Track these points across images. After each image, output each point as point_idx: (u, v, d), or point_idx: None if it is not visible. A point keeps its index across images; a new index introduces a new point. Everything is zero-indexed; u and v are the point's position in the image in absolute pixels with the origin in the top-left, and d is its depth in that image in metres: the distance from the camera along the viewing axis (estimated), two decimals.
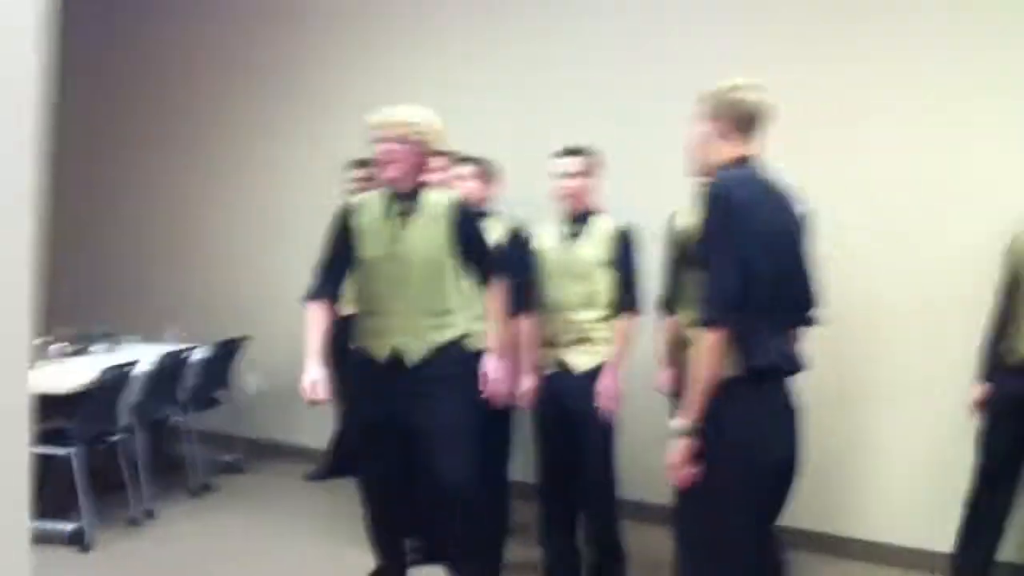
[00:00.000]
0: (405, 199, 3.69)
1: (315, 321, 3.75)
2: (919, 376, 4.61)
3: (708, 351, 2.60)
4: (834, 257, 4.59)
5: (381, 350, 3.72)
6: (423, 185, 3.73)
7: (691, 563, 2.78)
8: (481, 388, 3.76)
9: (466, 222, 3.75)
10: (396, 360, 3.69)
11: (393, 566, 3.92)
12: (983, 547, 4.12)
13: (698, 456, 2.63)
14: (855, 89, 4.70)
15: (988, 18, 4.43)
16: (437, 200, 3.73)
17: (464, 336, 3.77)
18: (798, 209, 2.83)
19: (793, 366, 2.74)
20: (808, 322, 2.89)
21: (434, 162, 3.96)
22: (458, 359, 3.76)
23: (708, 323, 2.60)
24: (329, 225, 3.83)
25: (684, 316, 2.82)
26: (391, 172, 3.64)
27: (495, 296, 3.86)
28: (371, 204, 3.76)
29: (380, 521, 3.84)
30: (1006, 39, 4.42)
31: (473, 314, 3.87)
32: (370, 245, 3.71)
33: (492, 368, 3.78)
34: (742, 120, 2.79)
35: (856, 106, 4.71)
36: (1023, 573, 4.23)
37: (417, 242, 3.67)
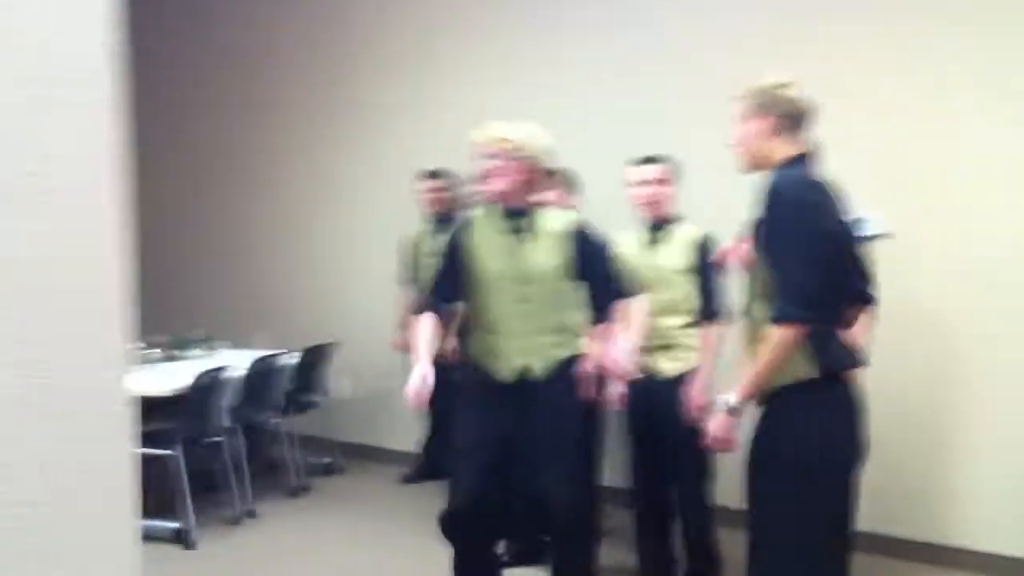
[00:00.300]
0: (518, 216, 3.61)
1: (425, 329, 3.63)
2: (1009, 375, 4.47)
3: (781, 347, 2.64)
4: (904, 257, 4.55)
5: (504, 370, 3.61)
6: (537, 204, 3.66)
7: (772, 565, 2.76)
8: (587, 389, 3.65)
9: (588, 244, 3.66)
10: (521, 379, 3.60)
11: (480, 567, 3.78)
12: None
13: (761, 457, 2.74)
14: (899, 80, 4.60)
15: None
16: (555, 220, 3.66)
17: (581, 354, 3.69)
18: (849, 209, 2.85)
19: (858, 361, 2.78)
20: (867, 301, 2.94)
21: (546, 183, 3.95)
22: (575, 376, 3.68)
23: (785, 320, 2.62)
24: (444, 242, 3.75)
25: (753, 313, 2.81)
26: (498, 185, 3.56)
27: (635, 309, 3.77)
28: (486, 220, 3.68)
29: (469, 529, 3.63)
30: None
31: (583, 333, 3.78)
32: (486, 261, 3.62)
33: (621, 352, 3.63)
34: (794, 117, 2.80)
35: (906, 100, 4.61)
36: None
37: (536, 260, 3.58)
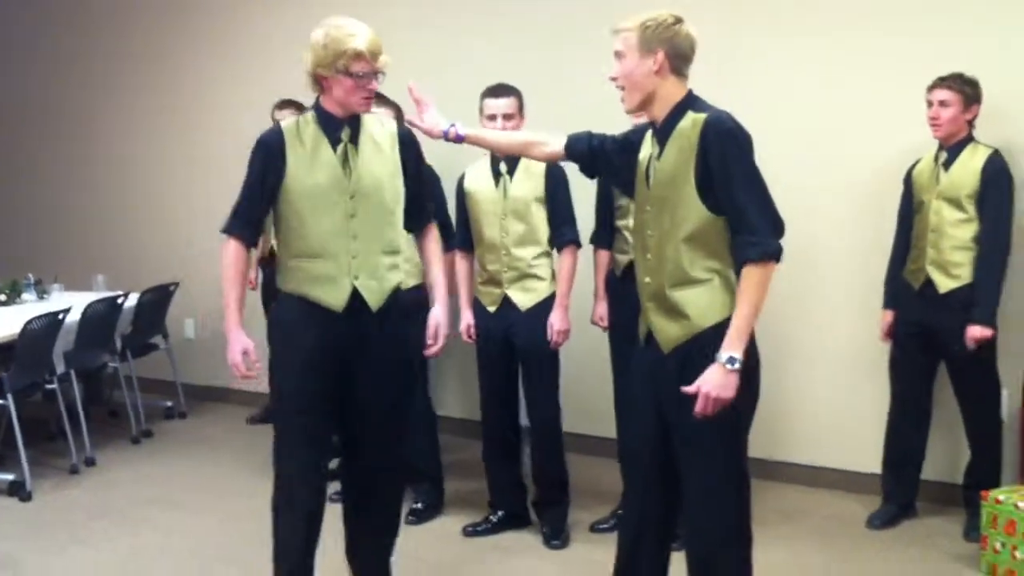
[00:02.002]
0: (347, 125, 3.20)
1: (236, 267, 3.29)
2: (839, 299, 4.69)
3: (767, 282, 2.58)
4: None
5: (332, 298, 3.20)
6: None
7: (730, 495, 2.73)
8: (431, 340, 3.37)
9: (414, 155, 3.36)
10: (352, 308, 3.21)
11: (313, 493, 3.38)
12: (907, 468, 4.27)
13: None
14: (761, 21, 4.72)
15: None
16: (380, 125, 3.31)
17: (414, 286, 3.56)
18: None
19: None
20: None
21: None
22: (411, 306, 3.48)
23: (773, 256, 2.57)
24: (254, 152, 3.25)
25: (668, 253, 2.72)
26: (369, 109, 3.22)
27: (436, 238, 3.51)
28: (303, 130, 3.22)
29: (305, 464, 3.32)
30: None
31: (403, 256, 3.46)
32: (307, 175, 3.19)
33: (445, 323, 3.39)
34: (691, 56, 2.70)
35: (758, 39, 4.75)
36: (947, 491, 4.37)
37: (369, 171, 3.22)
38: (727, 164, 2.56)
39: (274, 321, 3.43)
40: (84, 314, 5.22)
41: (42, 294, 5.88)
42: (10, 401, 4.69)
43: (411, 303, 3.57)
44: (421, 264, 3.66)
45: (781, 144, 4.62)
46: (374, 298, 3.22)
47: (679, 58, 2.67)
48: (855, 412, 4.65)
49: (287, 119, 3.38)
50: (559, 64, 5.07)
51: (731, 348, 2.54)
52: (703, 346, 2.61)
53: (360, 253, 3.20)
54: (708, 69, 4.15)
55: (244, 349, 3.25)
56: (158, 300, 6.00)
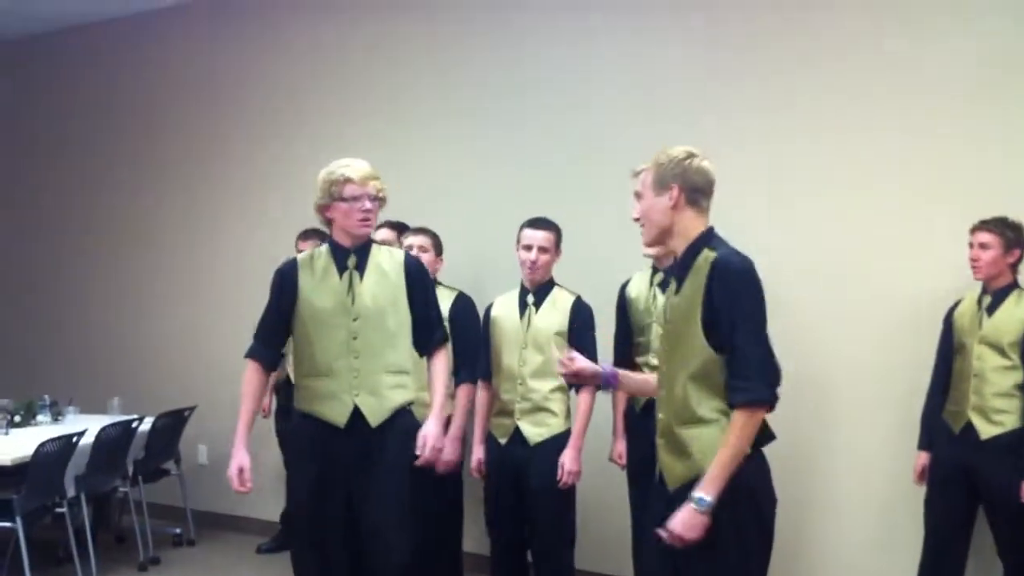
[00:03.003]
0: (354, 254, 3.53)
1: (251, 388, 3.62)
2: (870, 441, 4.59)
3: (753, 429, 2.57)
4: (783, 313, 4.69)
5: (336, 414, 3.46)
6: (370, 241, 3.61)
7: None
8: (418, 451, 3.48)
9: (421, 281, 3.63)
10: (355, 424, 3.46)
11: None
12: None
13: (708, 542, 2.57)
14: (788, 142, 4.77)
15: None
16: (389, 255, 3.61)
17: (412, 401, 3.62)
18: None
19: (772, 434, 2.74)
20: None
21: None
22: (413, 427, 3.58)
23: (761, 402, 2.56)
24: (272, 282, 3.65)
25: (676, 391, 2.74)
26: (369, 229, 3.54)
27: (444, 362, 3.69)
28: (315, 259, 3.58)
29: None
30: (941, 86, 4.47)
31: (418, 381, 3.73)
32: (315, 299, 3.51)
33: (434, 435, 3.51)
34: (707, 189, 2.74)
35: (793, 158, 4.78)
36: None
37: (372, 296, 3.51)
38: (730, 306, 2.58)
39: (288, 439, 3.71)
40: (98, 437, 5.20)
41: (57, 416, 5.88)
42: (19, 524, 4.64)
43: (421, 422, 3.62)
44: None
45: (812, 284, 4.68)
46: (374, 415, 3.46)
47: (694, 191, 2.71)
48: (887, 559, 4.50)
49: (307, 250, 3.73)
50: (583, 192, 5.15)
51: (703, 490, 2.53)
52: None
53: (362, 372, 3.46)
54: (745, 211, 4.19)
55: (240, 466, 3.50)
56: (173, 425, 5.98)
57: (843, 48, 4.63)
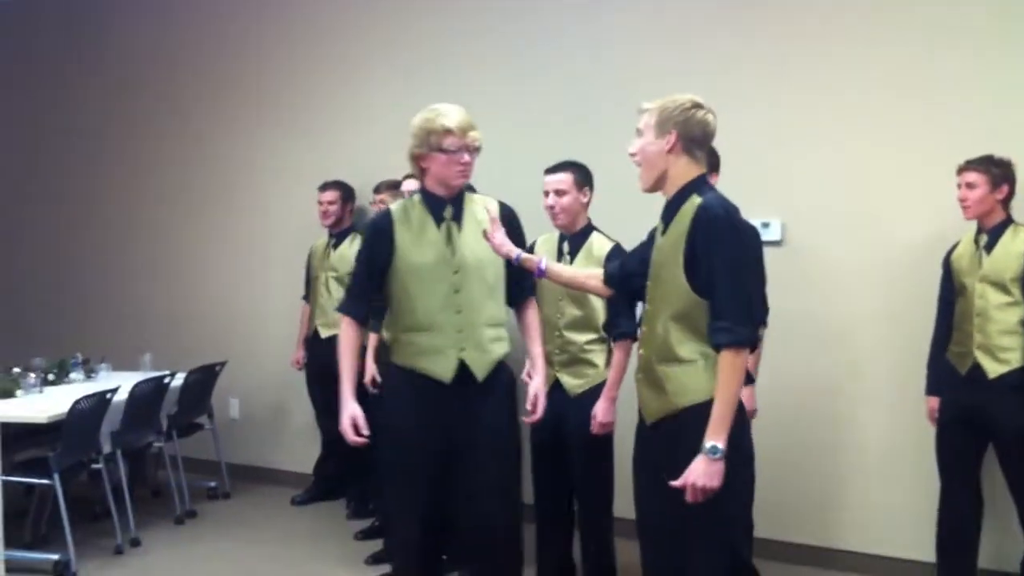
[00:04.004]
0: (450, 204, 3.43)
1: (349, 344, 3.46)
2: (884, 385, 4.61)
3: (741, 369, 2.65)
4: (796, 265, 4.69)
5: (440, 370, 3.37)
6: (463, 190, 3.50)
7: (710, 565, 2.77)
8: (529, 407, 3.48)
9: (515, 230, 3.51)
10: (459, 378, 3.37)
11: None
12: (960, 557, 4.11)
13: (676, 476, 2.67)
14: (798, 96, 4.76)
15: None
16: (483, 205, 3.48)
17: (508, 353, 3.55)
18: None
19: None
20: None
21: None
22: (512, 381, 3.58)
23: (743, 343, 2.64)
24: (366, 236, 3.55)
25: (658, 329, 2.81)
26: (466, 180, 3.43)
27: (535, 311, 3.63)
28: (410, 211, 3.46)
29: (419, 548, 3.46)
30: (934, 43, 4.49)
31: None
32: (414, 254, 3.39)
33: (542, 389, 3.50)
34: (699, 140, 2.81)
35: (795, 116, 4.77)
36: None
37: (471, 248, 3.41)
38: (710, 250, 2.66)
39: (385, 393, 3.63)
40: (131, 394, 5.24)
41: (90, 374, 5.92)
42: (56, 481, 4.69)
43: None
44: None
45: (819, 226, 4.74)
46: (480, 369, 3.39)
47: (691, 141, 2.79)
48: (909, 498, 4.53)
49: (395, 202, 3.65)
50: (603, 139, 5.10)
51: (712, 437, 2.62)
52: (685, 426, 2.69)
53: (465, 326, 3.38)
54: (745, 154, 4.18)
55: (352, 417, 3.37)
56: (204, 380, 6.02)
57: (841, 6, 4.67)
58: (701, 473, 2.61)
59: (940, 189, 4.25)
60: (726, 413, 2.62)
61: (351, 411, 3.36)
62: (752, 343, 2.68)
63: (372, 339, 4.89)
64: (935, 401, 4.17)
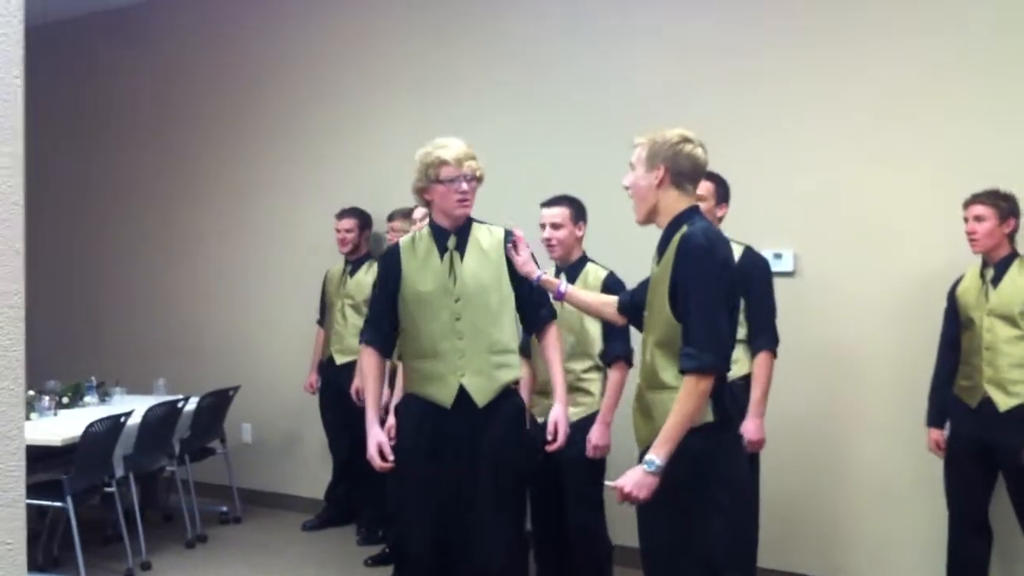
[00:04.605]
0: (454, 234, 3.55)
1: (371, 372, 3.58)
2: (889, 416, 4.59)
3: (701, 396, 2.70)
4: (804, 293, 4.68)
5: (443, 395, 3.48)
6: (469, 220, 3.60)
7: None
8: (549, 436, 3.54)
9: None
10: (462, 405, 3.47)
11: None
12: None
13: (669, 501, 2.73)
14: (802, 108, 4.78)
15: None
16: (489, 233, 3.59)
17: (518, 380, 3.64)
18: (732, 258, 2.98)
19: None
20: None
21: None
22: (520, 407, 3.64)
23: (706, 369, 2.69)
24: (377, 268, 3.76)
25: (646, 357, 2.89)
26: (469, 209, 3.53)
27: (556, 340, 3.70)
28: (417, 242, 3.60)
29: (429, 568, 3.55)
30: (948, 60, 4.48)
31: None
32: (419, 282, 3.52)
33: (565, 420, 3.58)
34: (688, 174, 2.88)
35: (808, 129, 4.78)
36: None
37: (474, 276, 3.51)
38: (686, 278, 2.75)
39: (397, 419, 3.73)
40: (145, 418, 5.27)
41: (104, 397, 5.96)
42: (69, 503, 4.72)
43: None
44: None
45: (832, 256, 4.73)
46: (480, 395, 3.47)
47: (680, 175, 2.87)
48: (917, 529, 4.49)
49: (406, 233, 3.91)
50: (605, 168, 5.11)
51: (654, 452, 2.69)
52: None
53: (466, 352, 3.47)
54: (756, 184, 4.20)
55: (378, 443, 3.48)
56: (217, 404, 6.05)
57: (862, 25, 4.66)
58: (631, 481, 2.70)
59: (954, 218, 4.25)
60: (673, 433, 2.68)
61: (377, 437, 3.48)
62: (718, 370, 2.73)
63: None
64: (937, 433, 4.16)
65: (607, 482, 2.74)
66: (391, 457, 3.46)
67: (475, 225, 3.60)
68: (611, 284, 4.04)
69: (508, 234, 3.57)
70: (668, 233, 2.87)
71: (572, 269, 4.13)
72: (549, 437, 3.54)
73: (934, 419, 4.19)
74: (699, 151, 2.87)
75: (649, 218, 2.94)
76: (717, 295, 2.75)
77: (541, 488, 4.15)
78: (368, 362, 3.60)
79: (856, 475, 4.68)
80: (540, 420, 4.09)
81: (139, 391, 6.14)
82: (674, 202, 2.86)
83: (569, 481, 4.07)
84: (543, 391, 4.10)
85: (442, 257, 3.53)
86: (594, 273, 4.12)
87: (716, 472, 2.73)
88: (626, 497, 2.71)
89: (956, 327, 4.09)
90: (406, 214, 5.10)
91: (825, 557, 4.74)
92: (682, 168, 2.85)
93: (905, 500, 4.56)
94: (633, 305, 3.20)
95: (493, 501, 3.45)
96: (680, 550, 2.78)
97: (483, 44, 5.78)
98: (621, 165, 3.05)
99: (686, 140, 2.85)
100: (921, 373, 4.35)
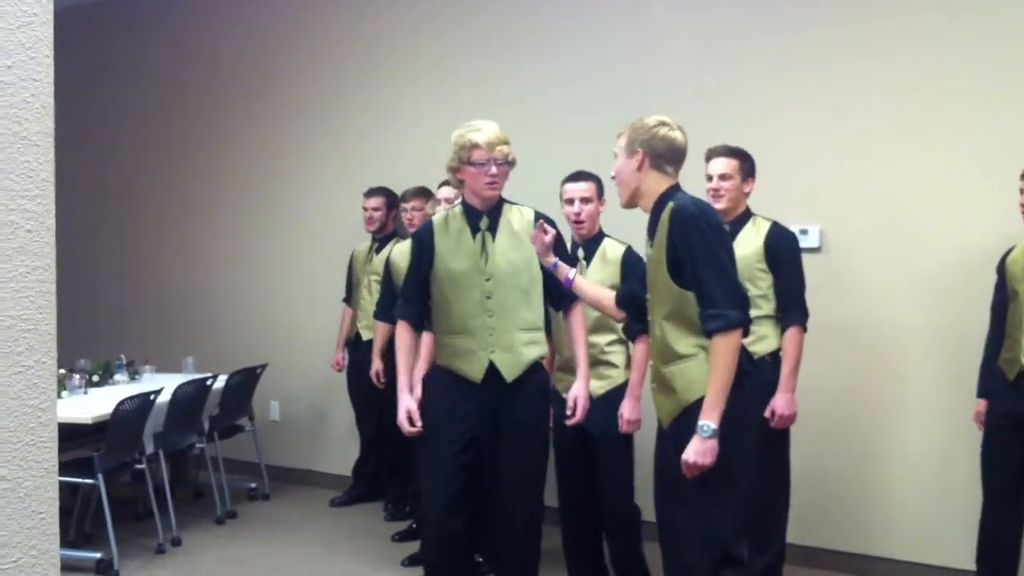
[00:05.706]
0: (486, 215, 3.66)
1: (403, 344, 3.72)
2: (929, 391, 4.56)
3: (734, 351, 2.78)
4: (834, 270, 4.65)
5: (473, 370, 3.62)
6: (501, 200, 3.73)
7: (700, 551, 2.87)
8: (569, 411, 3.72)
9: (555, 238, 3.63)
10: (491, 379, 3.62)
11: None
12: (1001, 567, 4.03)
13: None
14: (847, 91, 4.71)
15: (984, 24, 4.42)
16: (520, 215, 3.72)
17: (544, 356, 3.78)
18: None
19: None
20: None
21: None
22: (545, 381, 3.82)
23: (733, 325, 2.77)
24: (411, 245, 3.84)
25: (656, 332, 2.96)
26: (497, 191, 3.65)
27: (582, 319, 3.81)
28: (450, 221, 3.70)
29: (444, 527, 3.64)
30: (998, 43, 4.40)
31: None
32: (451, 261, 3.64)
33: (584, 396, 3.73)
34: (667, 156, 2.97)
35: (849, 114, 4.71)
36: None
37: (505, 256, 3.64)
38: (690, 246, 2.83)
39: (426, 390, 3.85)
40: (174, 395, 5.31)
41: (134, 375, 6.02)
42: (100, 481, 4.77)
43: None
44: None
45: (858, 232, 4.69)
46: (509, 370, 3.62)
47: (658, 156, 2.98)
48: (948, 506, 4.48)
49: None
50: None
51: (705, 417, 2.77)
52: (695, 418, 2.80)
53: (496, 329, 3.61)
54: (782, 160, 4.17)
55: (407, 410, 3.60)
56: (245, 382, 6.09)
57: (887, 8, 4.62)
58: (692, 451, 2.77)
59: (980, 194, 4.22)
60: (718, 395, 2.76)
61: (407, 404, 3.64)
62: (743, 324, 2.80)
63: (379, 336, 5.17)
64: (983, 404, 4.09)
65: (684, 457, 2.79)
66: (419, 423, 3.61)
67: (506, 206, 3.72)
68: (629, 259, 4.04)
69: (538, 216, 3.67)
70: (655, 212, 2.96)
71: (590, 244, 4.13)
72: (568, 412, 3.70)
73: (982, 390, 4.13)
74: (676, 134, 2.98)
75: (632, 201, 3.04)
76: (722, 253, 2.83)
77: (570, 466, 4.17)
78: (402, 335, 3.74)
79: (887, 451, 4.67)
80: (565, 396, 4.10)
81: (168, 369, 6.19)
82: (655, 183, 2.97)
83: (601, 458, 4.08)
84: (567, 367, 4.11)
85: (474, 237, 3.64)
86: (612, 248, 4.10)
87: (731, 433, 2.81)
88: (692, 468, 2.77)
89: (1005, 297, 4.00)
90: (419, 193, 5.12)
91: (857, 533, 4.73)
92: (658, 150, 2.95)
93: (938, 475, 4.54)
94: (630, 297, 3.30)
95: (519, 463, 3.64)
96: (692, 519, 2.87)
97: (507, 23, 5.74)
98: None
99: (663, 124, 2.99)
100: (951, 349, 4.33)
